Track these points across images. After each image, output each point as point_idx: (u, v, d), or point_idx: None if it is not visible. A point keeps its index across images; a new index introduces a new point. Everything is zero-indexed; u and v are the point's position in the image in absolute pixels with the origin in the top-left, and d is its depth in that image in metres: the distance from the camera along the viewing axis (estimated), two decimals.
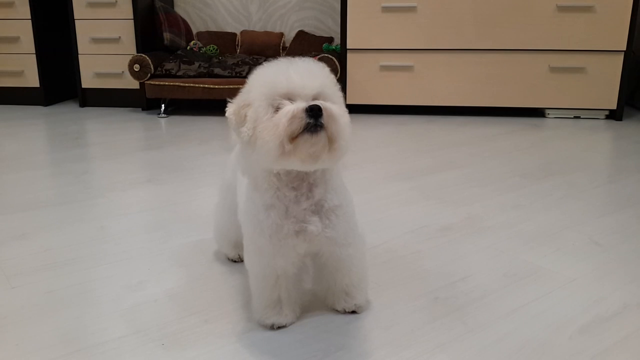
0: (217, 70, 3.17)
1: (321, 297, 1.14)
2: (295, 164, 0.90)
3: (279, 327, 1.06)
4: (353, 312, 1.11)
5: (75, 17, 3.37)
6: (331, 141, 0.88)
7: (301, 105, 0.86)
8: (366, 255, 1.13)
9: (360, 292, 1.11)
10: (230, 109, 0.93)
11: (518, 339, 1.03)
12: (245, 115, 0.90)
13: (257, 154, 0.89)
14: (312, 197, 0.97)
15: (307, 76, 0.89)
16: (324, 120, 0.86)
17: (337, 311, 1.12)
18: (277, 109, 0.87)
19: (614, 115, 3.07)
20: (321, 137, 0.87)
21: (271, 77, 0.90)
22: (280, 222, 0.96)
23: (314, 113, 0.85)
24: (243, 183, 1.05)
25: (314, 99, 0.89)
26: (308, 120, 0.85)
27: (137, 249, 1.44)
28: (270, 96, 0.88)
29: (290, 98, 0.88)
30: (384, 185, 1.96)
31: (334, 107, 0.89)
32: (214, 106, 3.48)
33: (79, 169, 2.18)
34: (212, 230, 1.38)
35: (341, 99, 0.95)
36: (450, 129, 2.89)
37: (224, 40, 3.70)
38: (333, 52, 3.34)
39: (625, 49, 2.94)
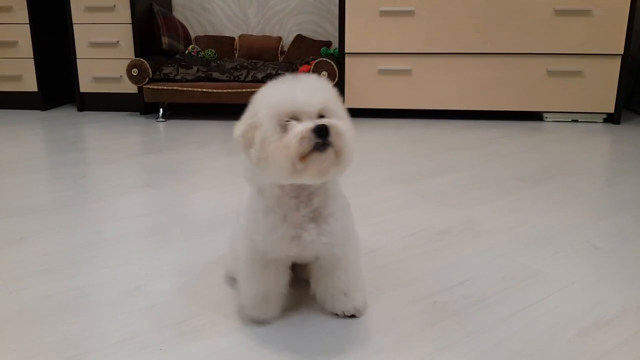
0: (215, 75, 3.17)
1: (320, 300, 1.14)
2: (306, 180, 0.94)
3: (263, 322, 1.08)
4: (352, 315, 1.11)
5: (73, 22, 3.37)
6: (338, 155, 0.92)
7: (309, 125, 0.89)
8: (360, 256, 1.14)
9: (359, 294, 1.12)
10: (238, 130, 0.96)
11: (517, 343, 1.03)
12: (253, 138, 0.93)
13: (269, 172, 0.93)
14: (311, 204, 1.00)
15: (311, 94, 0.93)
16: (331, 138, 0.90)
17: (336, 315, 1.12)
18: (284, 129, 0.91)
19: (611, 119, 3.08)
20: (329, 154, 0.91)
21: (276, 98, 0.93)
22: (275, 225, 1.00)
23: (322, 133, 0.89)
24: (247, 189, 1.08)
25: (319, 115, 0.93)
26: (317, 140, 0.89)
27: (135, 253, 1.44)
28: (277, 117, 0.91)
29: (296, 117, 0.92)
30: (382, 188, 1.96)
31: (340, 123, 0.93)
32: (212, 110, 3.48)
33: (77, 173, 2.18)
34: (227, 263, 1.29)
35: (344, 112, 0.99)
36: (448, 132, 2.89)
37: (222, 44, 3.71)
38: (331, 56, 3.34)
39: (622, 53, 2.95)
